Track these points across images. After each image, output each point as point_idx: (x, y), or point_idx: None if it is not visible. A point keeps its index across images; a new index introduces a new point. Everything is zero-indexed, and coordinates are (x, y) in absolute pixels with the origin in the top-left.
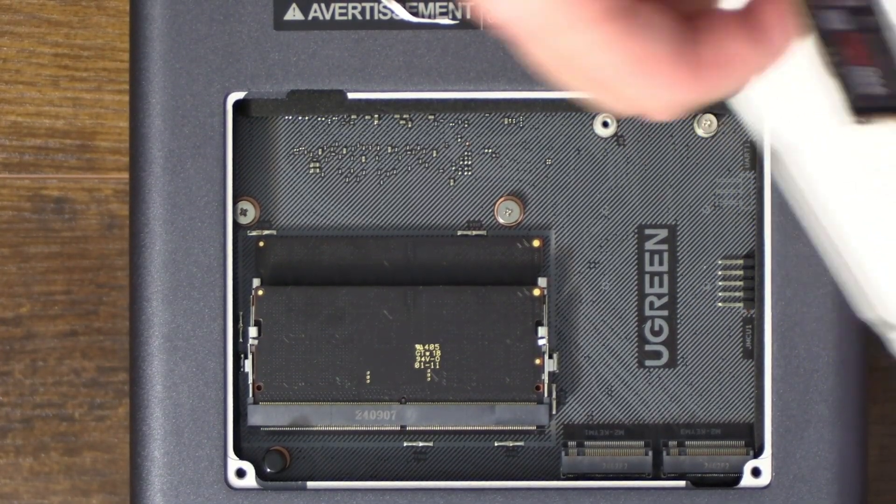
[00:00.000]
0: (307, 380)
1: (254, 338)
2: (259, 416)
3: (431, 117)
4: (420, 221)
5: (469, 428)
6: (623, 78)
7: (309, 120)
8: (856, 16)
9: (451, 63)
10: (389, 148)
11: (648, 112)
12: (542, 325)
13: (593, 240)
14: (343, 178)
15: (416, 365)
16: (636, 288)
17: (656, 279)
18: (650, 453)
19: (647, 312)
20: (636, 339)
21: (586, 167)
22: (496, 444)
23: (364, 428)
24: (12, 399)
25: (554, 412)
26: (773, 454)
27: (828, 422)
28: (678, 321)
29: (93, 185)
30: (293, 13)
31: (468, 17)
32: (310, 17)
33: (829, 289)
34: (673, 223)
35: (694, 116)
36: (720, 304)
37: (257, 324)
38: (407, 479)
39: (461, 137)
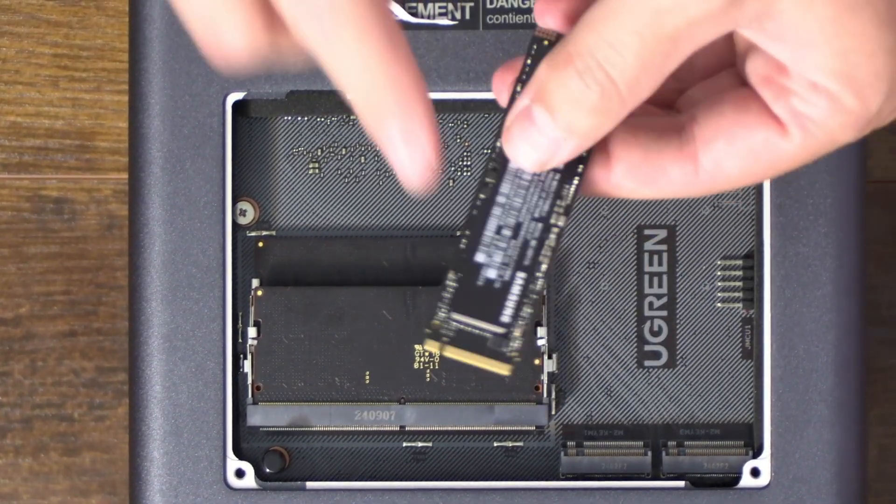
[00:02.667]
0: (306, 380)
1: (253, 338)
2: (258, 416)
3: None
4: (419, 222)
5: (468, 428)
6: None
7: (308, 120)
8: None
9: (450, 63)
10: None
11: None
12: (541, 325)
13: (592, 240)
14: (342, 179)
15: (416, 365)
16: (635, 288)
17: (655, 279)
18: (649, 453)
19: (647, 313)
20: (635, 339)
21: None
22: (495, 444)
23: (363, 428)
24: (12, 399)
25: (553, 412)
26: (772, 454)
27: (827, 422)
28: (677, 321)
29: (92, 185)
30: None
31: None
32: None
33: (829, 289)
34: (672, 223)
35: None
36: (719, 305)
37: (256, 324)
38: (406, 480)
39: (460, 138)
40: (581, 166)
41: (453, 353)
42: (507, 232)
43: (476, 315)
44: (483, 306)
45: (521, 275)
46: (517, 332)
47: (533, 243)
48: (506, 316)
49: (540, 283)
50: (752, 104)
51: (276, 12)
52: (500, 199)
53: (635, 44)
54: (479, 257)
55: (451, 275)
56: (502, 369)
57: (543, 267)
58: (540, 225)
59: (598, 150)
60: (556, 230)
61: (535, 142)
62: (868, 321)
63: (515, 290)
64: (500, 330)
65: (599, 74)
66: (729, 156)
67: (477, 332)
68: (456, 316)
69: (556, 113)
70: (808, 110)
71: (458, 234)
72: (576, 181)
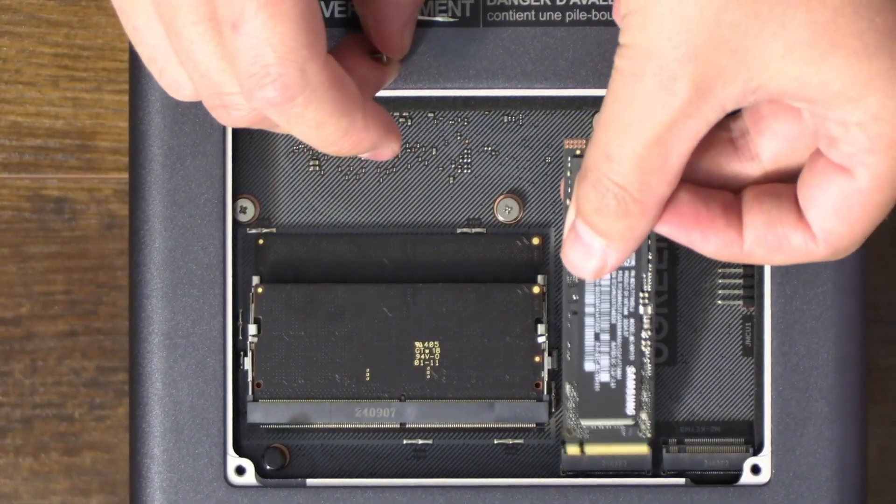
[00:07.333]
0: (307, 377)
1: (253, 335)
2: (259, 413)
3: (431, 115)
4: (419, 219)
5: (468, 425)
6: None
7: None
8: None
9: (451, 60)
10: None
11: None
12: (541, 322)
13: None
14: (343, 176)
15: (416, 362)
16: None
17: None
18: (650, 451)
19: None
20: None
21: None
22: (496, 441)
23: (364, 425)
24: (12, 399)
25: (553, 409)
26: (772, 452)
27: (827, 419)
28: (678, 319)
29: (93, 185)
30: None
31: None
32: None
33: (829, 287)
34: None
35: None
36: (720, 302)
37: (257, 321)
38: (406, 477)
39: (460, 135)
40: (650, 254)
41: (595, 450)
42: (605, 336)
43: (603, 416)
44: (607, 406)
45: (630, 370)
46: (644, 416)
47: (632, 339)
48: (629, 408)
49: (649, 368)
50: (818, 163)
51: None
52: (589, 309)
53: (626, 154)
54: (589, 366)
55: (568, 386)
56: (643, 449)
57: (648, 354)
58: (632, 320)
59: (730, 215)
60: (647, 319)
61: (586, 253)
62: (868, 321)
63: (630, 384)
64: (629, 421)
65: (608, 184)
66: (826, 217)
67: (610, 427)
68: (585, 422)
69: (592, 224)
70: (854, 148)
71: (567, 346)
72: (650, 268)
